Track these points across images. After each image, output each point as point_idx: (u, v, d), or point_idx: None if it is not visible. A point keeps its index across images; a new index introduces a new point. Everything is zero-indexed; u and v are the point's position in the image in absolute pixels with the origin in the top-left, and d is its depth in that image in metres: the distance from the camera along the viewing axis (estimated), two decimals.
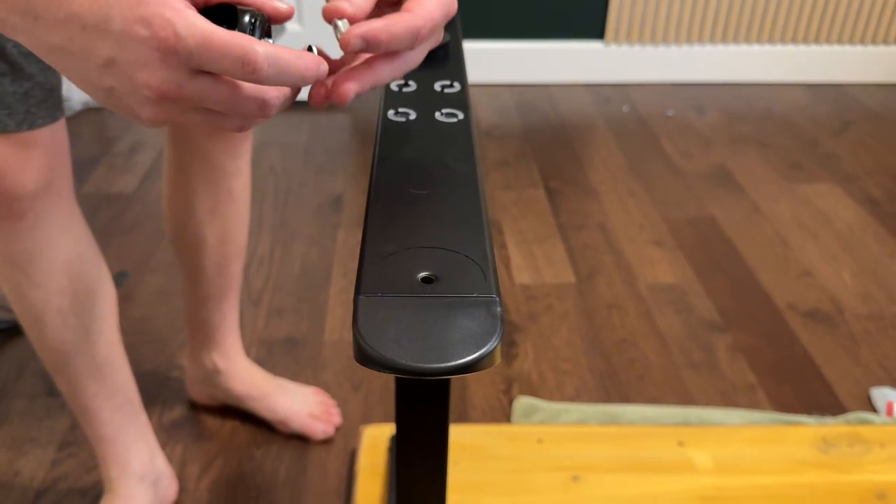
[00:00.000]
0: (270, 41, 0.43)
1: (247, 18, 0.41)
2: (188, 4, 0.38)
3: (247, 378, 1.20)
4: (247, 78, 0.39)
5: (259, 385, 1.20)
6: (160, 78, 0.38)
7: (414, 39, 0.43)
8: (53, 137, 0.77)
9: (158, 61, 0.37)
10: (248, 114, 0.41)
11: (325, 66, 0.41)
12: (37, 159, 0.76)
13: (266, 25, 0.43)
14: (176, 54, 0.37)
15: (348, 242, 1.71)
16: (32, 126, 0.74)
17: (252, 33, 0.41)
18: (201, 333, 1.16)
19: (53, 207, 0.81)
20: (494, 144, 2.20)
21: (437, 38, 0.47)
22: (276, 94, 0.41)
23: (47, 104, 0.75)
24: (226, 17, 0.41)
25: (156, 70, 0.38)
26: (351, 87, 0.43)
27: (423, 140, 0.50)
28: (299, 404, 1.20)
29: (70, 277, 0.86)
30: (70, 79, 0.41)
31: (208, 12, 0.41)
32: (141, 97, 0.39)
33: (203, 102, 0.40)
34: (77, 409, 0.98)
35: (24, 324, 0.89)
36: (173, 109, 0.40)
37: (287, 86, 0.41)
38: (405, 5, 0.44)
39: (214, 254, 1.07)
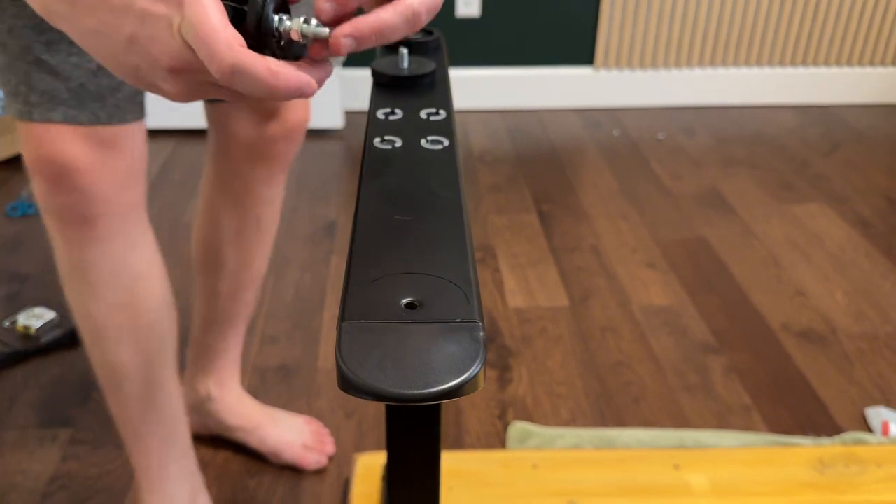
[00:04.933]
0: (287, 17, 0.43)
1: None
2: None
3: (238, 409, 1.19)
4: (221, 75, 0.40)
5: (251, 416, 1.20)
6: (172, 51, 0.41)
7: (410, 21, 0.43)
8: (135, 141, 0.75)
9: (169, 37, 0.41)
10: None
11: (311, 86, 0.42)
12: (118, 160, 0.74)
13: None
14: (180, 34, 0.40)
15: (342, 268, 1.71)
16: (122, 120, 0.72)
17: (264, 7, 0.42)
18: (202, 358, 1.15)
19: (124, 219, 0.78)
20: (487, 169, 2.21)
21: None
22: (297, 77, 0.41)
23: (136, 100, 0.73)
24: None
25: (168, 44, 0.41)
26: (347, 43, 0.44)
27: (408, 167, 0.50)
28: (291, 435, 1.19)
29: (134, 295, 0.84)
30: (101, 60, 0.45)
31: None
32: (160, 71, 0.42)
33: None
34: (126, 434, 0.95)
35: (84, 337, 0.87)
36: (192, 83, 0.43)
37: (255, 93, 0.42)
38: None
39: (232, 278, 1.06)
